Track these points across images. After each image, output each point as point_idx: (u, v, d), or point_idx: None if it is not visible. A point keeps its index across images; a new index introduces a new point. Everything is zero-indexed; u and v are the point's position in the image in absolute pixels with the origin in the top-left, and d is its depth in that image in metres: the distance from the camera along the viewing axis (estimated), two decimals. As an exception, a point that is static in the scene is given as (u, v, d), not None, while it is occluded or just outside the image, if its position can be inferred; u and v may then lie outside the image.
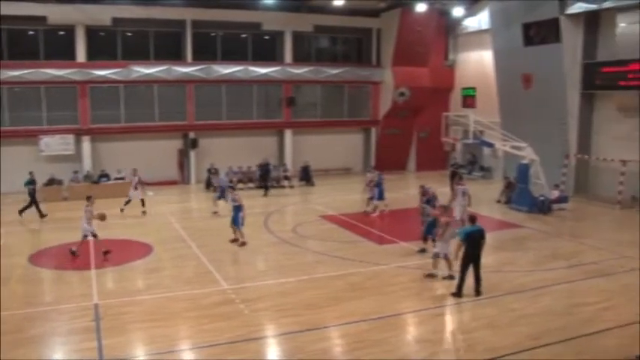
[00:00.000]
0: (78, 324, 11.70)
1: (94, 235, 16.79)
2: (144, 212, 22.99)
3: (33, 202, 22.53)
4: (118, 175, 27.96)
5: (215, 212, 22.64)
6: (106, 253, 16.68)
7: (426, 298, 13.36)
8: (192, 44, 30.84)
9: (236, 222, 17.97)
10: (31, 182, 22.79)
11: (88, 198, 17.37)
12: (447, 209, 15.23)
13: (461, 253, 13.31)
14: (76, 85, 28.70)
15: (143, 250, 17.49)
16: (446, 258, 14.37)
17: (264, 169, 28.92)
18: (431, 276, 14.53)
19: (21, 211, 22.47)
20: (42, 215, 22.41)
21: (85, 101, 28.96)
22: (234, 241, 18.09)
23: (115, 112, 29.68)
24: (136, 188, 23.37)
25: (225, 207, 22.07)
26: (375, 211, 22.64)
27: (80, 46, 28.78)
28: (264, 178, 28.54)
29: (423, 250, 16.67)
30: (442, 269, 14.50)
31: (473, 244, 13.19)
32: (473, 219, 13.61)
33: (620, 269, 15.42)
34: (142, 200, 23.35)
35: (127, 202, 23.16)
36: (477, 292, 13.34)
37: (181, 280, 14.64)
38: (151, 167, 28.84)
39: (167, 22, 30.38)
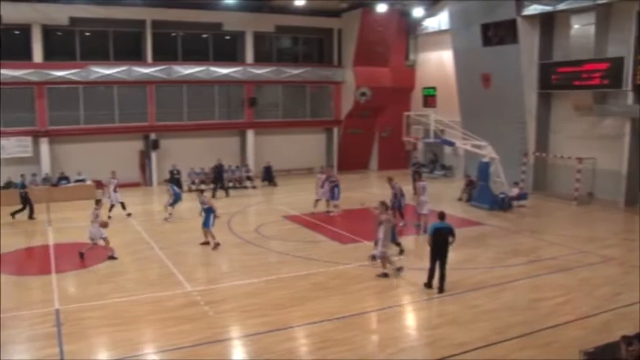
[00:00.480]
0: (39, 330, 11.43)
1: (104, 239, 16.58)
2: (129, 214, 22.66)
3: (27, 203, 22.40)
4: (78, 178, 27.43)
5: (167, 219, 22.01)
6: (81, 255, 16.46)
7: (388, 297, 13.45)
8: (153, 44, 30.48)
9: (207, 224, 17.76)
10: (23, 185, 22.84)
11: (97, 202, 17.13)
12: (386, 207, 15.19)
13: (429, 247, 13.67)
14: (32, 85, 28.04)
15: (105, 253, 17.13)
16: (383, 257, 14.60)
17: (218, 170, 28.69)
18: (384, 275, 14.62)
19: (13, 214, 22.15)
20: (31, 217, 22.36)
21: (42, 102, 28.32)
22: (205, 243, 17.86)
23: (74, 113, 29.13)
24: (115, 191, 22.87)
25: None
26: (336, 210, 22.66)
27: (37, 46, 28.09)
28: (219, 179, 28.16)
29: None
30: (394, 265, 14.85)
31: (439, 240, 13.40)
32: (442, 215, 13.81)
33: (577, 264, 15.77)
34: (122, 203, 22.86)
35: (112, 207, 22.58)
36: (440, 289, 13.51)
37: (144, 283, 14.44)
38: (112, 169, 28.26)
39: (126, 22, 29.93)
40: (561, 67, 25.42)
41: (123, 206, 22.74)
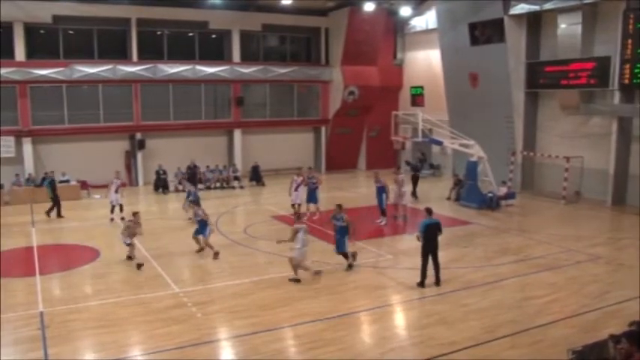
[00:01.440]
0: (23, 333, 11.32)
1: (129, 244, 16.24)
2: (122, 218, 22.15)
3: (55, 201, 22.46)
4: (63, 178, 27.15)
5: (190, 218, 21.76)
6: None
7: (378, 297, 13.46)
8: (138, 43, 30.28)
9: (203, 233, 17.22)
10: (51, 182, 22.99)
11: (135, 214, 16.59)
12: (300, 216, 15.45)
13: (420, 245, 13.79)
14: (15, 84, 27.73)
15: (89, 254, 17.06)
16: (294, 262, 14.27)
17: (192, 171, 28.55)
18: (295, 281, 14.32)
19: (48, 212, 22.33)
20: (49, 215, 22.46)
21: (25, 102, 28.04)
22: (200, 250, 17.33)
23: (58, 112, 28.85)
24: (116, 191, 22.49)
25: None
26: (315, 214, 21.88)
27: (19, 44, 27.81)
28: (192, 181, 27.83)
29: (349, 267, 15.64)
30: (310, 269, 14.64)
31: (430, 235, 13.66)
32: (429, 211, 14.05)
33: (565, 262, 15.88)
34: (121, 205, 22.49)
35: (113, 208, 22.25)
36: (437, 281, 13.75)
37: (130, 285, 14.36)
38: (97, 169, 28.21)
39: (111, 20, 29.73)
40: (548, 66, 25.59)
41: (120, 208, 22.42)
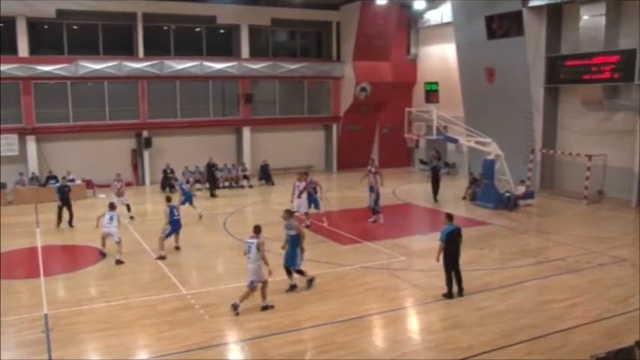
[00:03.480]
0: (27, 336, 11.38)
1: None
2: (132, 218, 22.50)
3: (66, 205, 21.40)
4: (68, 177, 27.25)
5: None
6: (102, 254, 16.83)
7: (390, 299, 13.42)
8: (144, 38, 30.42)
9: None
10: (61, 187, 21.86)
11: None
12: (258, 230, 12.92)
13: (442, 254, 13.34)
14: (18, 81, 27.95)
15: (95, 255, 17.13)
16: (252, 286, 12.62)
17: (210, 169, 28.70)
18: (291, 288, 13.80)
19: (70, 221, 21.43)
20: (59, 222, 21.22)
21: (29, 99, 28.23)
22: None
23: (62, 110, 29.06)
24: (121, 194, 22.83)
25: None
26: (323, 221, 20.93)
27: (22, 39, 28.01)
28: (212, 179, 28.23)
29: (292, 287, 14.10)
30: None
31: (453, 243, 13.29)
32: (450, 217, 13.61)
33: (587, 265, 15.75)
34: (128, 205, 22.81)
35: (128, 208, 22.69)
36: (460, 290, 13.40)
37: (137, 286, 14.40)
38: (103, 168, 28.32)
39: (116, 15, 29.87)
40: (569, 60, 25.38)
41: (128, 208, 22.75)
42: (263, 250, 12.62)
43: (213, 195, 27.47)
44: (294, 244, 13.72)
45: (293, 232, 13.79)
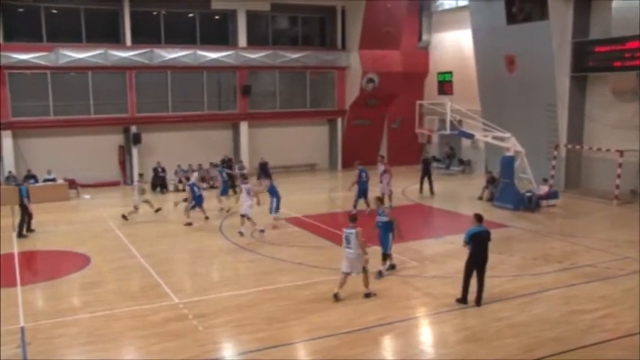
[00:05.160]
0: (1, 352, 11.32)
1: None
2: (158, 210, 23.38)
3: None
4: (48, 177, 27.32)
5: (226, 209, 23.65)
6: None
7: (400, 309, 13.34)
8: (132, 25, 30.38)
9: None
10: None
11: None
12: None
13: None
14: (-9, 70, 27.98)
15: (78, 261, 17.07)
16: None
17: (228, 165, 29.06)
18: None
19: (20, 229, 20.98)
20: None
21: (3, 90, 28.18)
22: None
23: (41, 103, 29.04)
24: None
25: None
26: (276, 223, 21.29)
27: (-6, 25, 28.03)
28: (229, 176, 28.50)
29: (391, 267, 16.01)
30: None
31: (479, 246, 13.17)
32: (479, 218, 13.48)
33: (619, 272, 15.63)
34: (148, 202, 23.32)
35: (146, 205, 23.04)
36: (478, 299, 13.29)
37: (125, 295, 14.35)
38: (87, 167, 28.39)
39: (101, -2, 29.90)
40: (599, 45, 25.30)
41: (151, 205, 23.27)
42: (360, 239, 13.54)
43: (234, 192, 27.71)
44: (386, 229, 15.23)
45: (385, 219, 15.31)
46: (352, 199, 22.71)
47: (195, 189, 22.04)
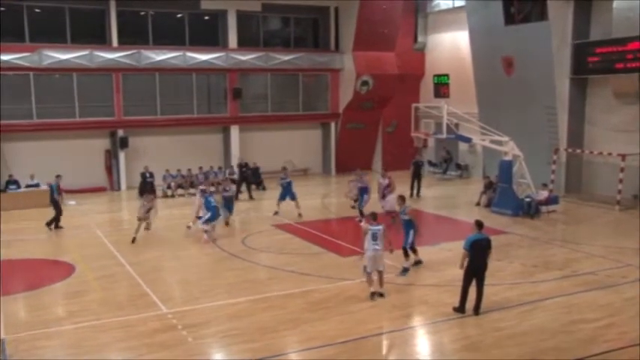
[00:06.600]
0: (-19, 364, 11.29)
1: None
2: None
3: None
4: (31, 182, 27.18)
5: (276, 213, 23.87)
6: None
7: (397, 317, 13.37)
8: (118, 25, 30.30)
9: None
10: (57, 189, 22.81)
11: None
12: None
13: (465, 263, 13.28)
14: (-29, 72, 27.81)
15: (63, 270, 16.98)
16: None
17: (245, 171, 29.61)
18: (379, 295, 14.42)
19: (49, 224, 22.18)
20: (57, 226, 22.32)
21: (-17, 93, 28.09)
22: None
23: (24, 106, 28.74)
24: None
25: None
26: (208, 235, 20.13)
27: (-25, 24, 27.87)
28: (247, 182, 29.26)
29: (417, 262, 16.83)
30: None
31: (478, 254, 13.17)
32: (480, 225, 13.51)
33: (622, 280, 15.65)
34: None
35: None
36: (476, 308, 13.28)
37: (111, 305, 14.28)
38: (72, 172, 28.20)
39: (87, -2, 29.84)
40: (600, 47, 25.39)
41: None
42: (384, 236, 14.29)
43: (251, 197, 28.31)
44: (408, 227, 16.43)
45: (407, 217, 16.57)
46: (347, 205, 22.77)
47: (211, 200, 20.50)
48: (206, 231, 19.82)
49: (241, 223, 23.94)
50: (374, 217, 14.60)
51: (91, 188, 29.67)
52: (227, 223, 22.31)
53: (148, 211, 20.66)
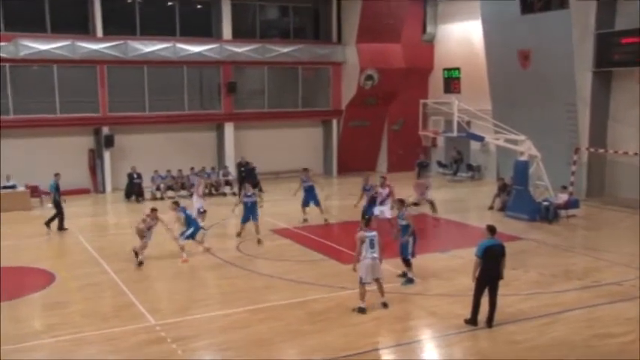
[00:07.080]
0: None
1: None
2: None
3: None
4: (7, 183, 27.14)
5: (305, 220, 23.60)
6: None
7: (403, 330, 13.39)
8: (103, 13, 30.33)
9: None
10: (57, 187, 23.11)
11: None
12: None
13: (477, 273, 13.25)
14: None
15: (42, 279, 16.96)
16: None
17: (247, 169, 29.72)
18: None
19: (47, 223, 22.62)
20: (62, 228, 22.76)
21: (-46, 86, 28.13)
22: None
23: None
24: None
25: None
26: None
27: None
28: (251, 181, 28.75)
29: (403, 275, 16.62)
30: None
31: (492, 261, 13.15)
32: (492, 230, 13.51)
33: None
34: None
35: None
36: (489, 320, 13.26)
37: (95, 316, 14.28)
38: (53, 172, 28.07)
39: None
40: (627, 37, 25.40)
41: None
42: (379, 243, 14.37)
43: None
44: (405, 233, 16.20)
45: (404, 222, 16.28)
46: (349, 209, 22.77)
47: (188, 213, 19.78)
48: (182, 247, 18.64)
49: (236, 228, 23.93)
50: (366, 223, 14.81)
51: (73, 190, 29.48)
52: (239, 234, 21.48)
53: (150, 228, 18.44)
